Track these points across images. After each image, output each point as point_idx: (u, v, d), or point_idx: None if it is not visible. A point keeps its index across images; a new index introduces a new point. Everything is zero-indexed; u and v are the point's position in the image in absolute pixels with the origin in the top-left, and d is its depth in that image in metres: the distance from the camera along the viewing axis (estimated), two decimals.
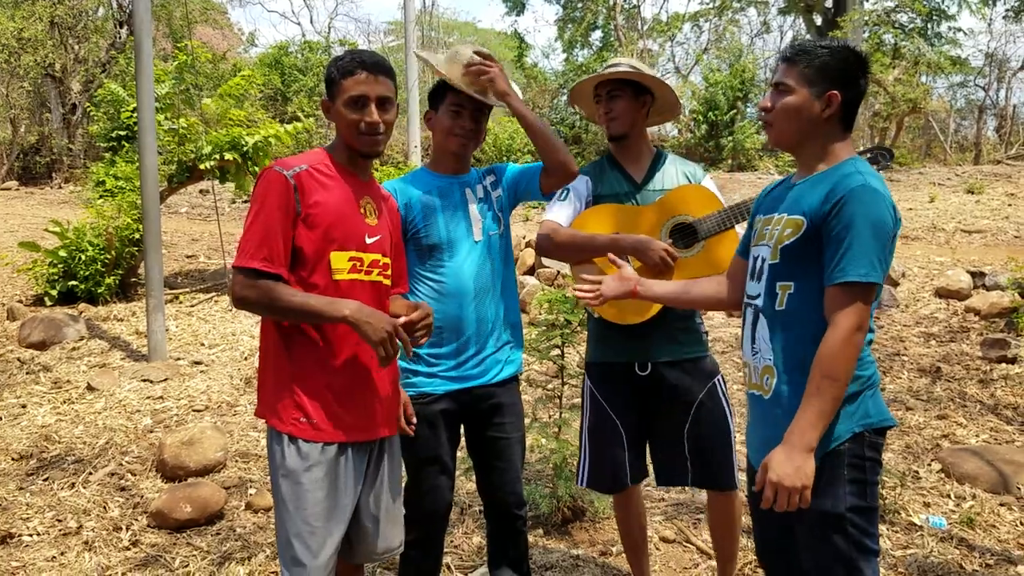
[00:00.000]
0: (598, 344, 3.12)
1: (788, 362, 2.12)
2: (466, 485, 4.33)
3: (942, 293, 8.25)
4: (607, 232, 2.98)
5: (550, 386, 4.37)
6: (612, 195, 3.07)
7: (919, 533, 3.84)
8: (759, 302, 2.21)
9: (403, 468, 2.71)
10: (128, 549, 3.82)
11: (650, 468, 3.19)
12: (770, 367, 2.16)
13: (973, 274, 8.51)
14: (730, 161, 19.88)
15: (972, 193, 14.21)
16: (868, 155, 2.75)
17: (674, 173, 3.12)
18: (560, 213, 3.05)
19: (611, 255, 2.77)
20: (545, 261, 9.93)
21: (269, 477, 2.37)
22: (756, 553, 2.48)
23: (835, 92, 2.12)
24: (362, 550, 2.52)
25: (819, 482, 2.05)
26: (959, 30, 20.23)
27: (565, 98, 23.09)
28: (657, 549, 3.79)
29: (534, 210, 15.35)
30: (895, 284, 8.64)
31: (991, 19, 24.30)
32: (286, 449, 2.31)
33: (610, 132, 3.09)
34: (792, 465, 1.98)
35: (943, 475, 4.50)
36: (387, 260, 2.49)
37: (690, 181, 3.10)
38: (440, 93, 2.87)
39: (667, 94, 3.10)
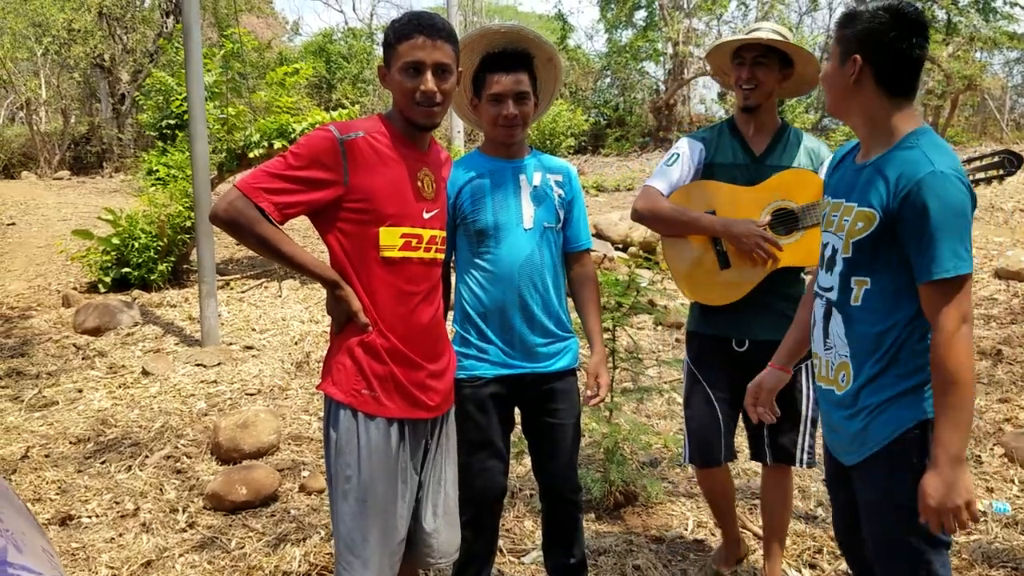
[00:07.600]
0: (700, 314, 3.09)
1: (866, 358, 2.03)
2: (516, 468, 4.31)
3: (1002, 274, 8.03)
4: (703, 208, 2.92)
5: None
6: (727, 164, 2.97)
7: (983, 519, 3.74)
8: (832, 296, 2.12)
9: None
10: (185, 531, 3.88)
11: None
12: (846, 363, 2.08)
13: None
14: None
15: None
16: (995, 159, 2.54)
17: (797, 149, 3.00)
18: (663, 181, 2.98)
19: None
20: (595, 244, 9.86)
21: (333, 461, 2.28)
22: (835, 539, 2.45)
23: (856, 56, 2.01)
24: (419, 554, 2.44)
25: (884, 472, 2.00)
26: (1016, 4, 19.60)
27: (608, 80, 22.93)
28: (712, 535, 3.74)
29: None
30: None
31: None
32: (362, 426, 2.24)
33: (748, 101, 2.93)
34: (945, 485, 1.88)
35: (1006, 459, 4.39)
36: (444, 234, 2.42)
37: (812, 159, 2.99)
38: (480, 81, 2.76)
39: (810, 72, 2.98)
